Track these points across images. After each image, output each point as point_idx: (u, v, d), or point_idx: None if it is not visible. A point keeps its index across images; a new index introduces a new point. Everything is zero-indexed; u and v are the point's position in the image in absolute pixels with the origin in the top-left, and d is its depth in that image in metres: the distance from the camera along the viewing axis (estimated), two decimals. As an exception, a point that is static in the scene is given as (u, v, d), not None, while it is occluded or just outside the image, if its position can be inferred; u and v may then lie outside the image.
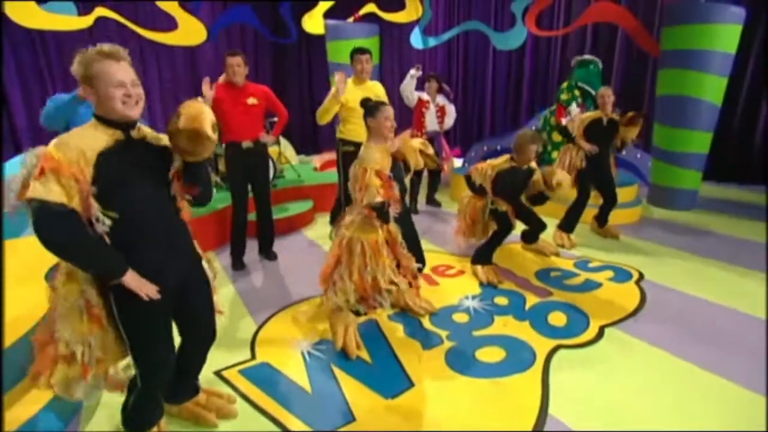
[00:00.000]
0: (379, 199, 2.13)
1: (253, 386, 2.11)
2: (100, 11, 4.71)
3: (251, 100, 3.32)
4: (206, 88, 3.14)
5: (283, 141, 5.71)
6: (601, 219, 4.04)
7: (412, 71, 4.53)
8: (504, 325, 2.58)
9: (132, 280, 1.41)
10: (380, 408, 1.96)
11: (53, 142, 1.34)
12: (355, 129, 3.52)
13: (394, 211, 2.29)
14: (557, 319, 2.64)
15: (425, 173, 4.96)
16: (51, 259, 1.43)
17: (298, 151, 8.56)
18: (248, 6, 6.61)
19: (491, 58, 6.86)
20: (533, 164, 3.21)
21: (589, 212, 3.98)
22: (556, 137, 4.72)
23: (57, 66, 5.22)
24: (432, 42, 6.65)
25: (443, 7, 7.14)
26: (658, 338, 2.41)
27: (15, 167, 4.07)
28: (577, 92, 4.69)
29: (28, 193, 1.28)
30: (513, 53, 6.56)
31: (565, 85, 4.82)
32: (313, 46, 7.57)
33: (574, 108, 4.62)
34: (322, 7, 6.43)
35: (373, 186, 2.13)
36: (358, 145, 3.04)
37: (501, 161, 3.18)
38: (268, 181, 3.59)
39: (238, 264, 3.47)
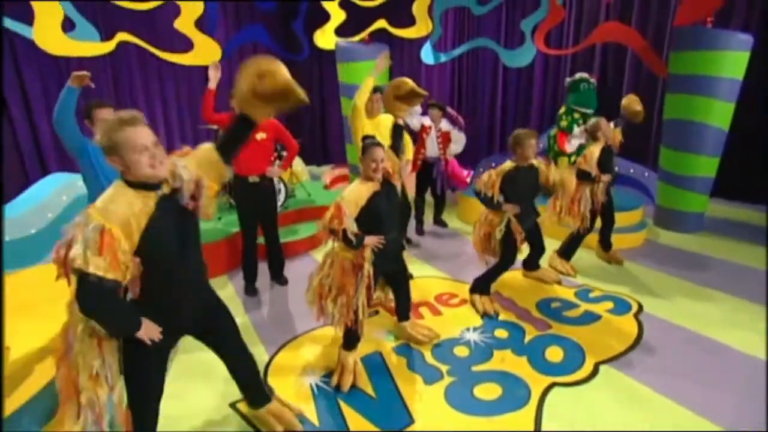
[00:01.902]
0: (333, 225, 2.28)
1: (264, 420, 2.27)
2: (122, 36, 4.94)
3: (260, 135, 3.48)
4: (212, 70, 3.33)
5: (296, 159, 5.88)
6: (605, 243, 4.11)
7: (417, 108, 4.66)
8: (502, 360, 2.70)
9: (142, 332, 1.55)
10: (382, 444, 2.11)
11: (98, 209, 1.44)
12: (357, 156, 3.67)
13: (376, 241, 2.37)
14: (554, 354, 2.75)
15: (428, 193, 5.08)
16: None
17: (308, 162, 8.79)
18: (261, 25, 6.82)
19: (501, 75, 6.93)
20: (535, 161, 3.20)
21: (593, 237, 4.05)
22: (562, 162, 4.79)
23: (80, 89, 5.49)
24: (442, 58, 6.76)
25: (453, 24, 7.23)
26: (653, 378, 2.49)
27: (44, 188, 4.32)
28: (575, 115, 4.74)
29: (76, 261, 1.38)
30: (522, 71, 6.63)
31: (562, 110, 4.87)
32: (325, 61, 7.74)
33: (576, 132, 4.66)
34: (334, 22, 6.59)
35: (329, 214, 2.32)
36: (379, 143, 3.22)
37: (503, 166, 3.18)
38: (276, 212, 3.73)
39: (250, 290, 3.65)
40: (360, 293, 2.36)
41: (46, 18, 4.28)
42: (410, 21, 6.27)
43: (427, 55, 6.52)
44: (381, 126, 3.59)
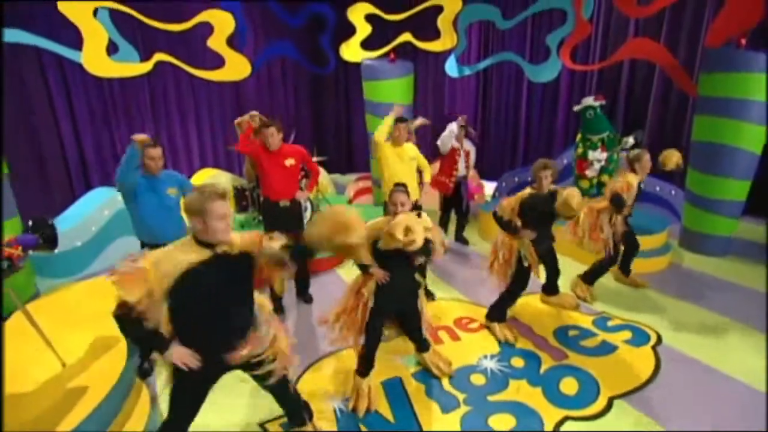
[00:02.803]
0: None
1: (291, 440, 2.46)
2: (159, 56, 5.24)
3: (289, 162, 3.67)
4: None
5: (320, 169, 6.06)
6: (625, 268, 4.12)
7: (454, 127, 4.73)
8: (517, 390, 2.80)
9: (175, 357, 1.81)
10: (399, 472, 2.25)
11: (152, 259, 1.72)
12: (388, 184, 3.77)
13: (381, 275, 2.52)
14: (569, 386, 2.83)
15: (452, 211, 5.18)
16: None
17: (333, 170, 8.99)
18: (289, 40, 7.03)
19: (525, 89, 6.93)
20: (553, 188, 3.25)
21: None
22: (584, 184, 4.78)
23: (120, 107, 5.86)
24: (466, 71, 6.81)
25: (478, 38, 7.25)
26: (668, 417, 2.54)
27: (88, 203, 4.66)
28: (595, 139, 4.73)
29: (121, 292, 1.68)
30: (547, 86, 6.60)
31: (579, 137, 4.87)
32: (351, 73, 7.90)
33: (596, 153, 4.64)
34: (360, 35, 6.74)
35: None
36: (402, 186, 3.36)
37: (522, 192, 3.28)
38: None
39: (277, 308, 3.85)
40: (359, 318, 2.54)
41: (93, 43, 4.60)
42: (435, 34, 6.35)
43: (451, 68, 6.60)
44: (404, 155, 3.71)
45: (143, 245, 3.03)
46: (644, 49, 5.38)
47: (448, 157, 4.90)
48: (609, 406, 2.64)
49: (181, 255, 1.76)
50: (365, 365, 2.68)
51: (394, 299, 2.67)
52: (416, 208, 3.74)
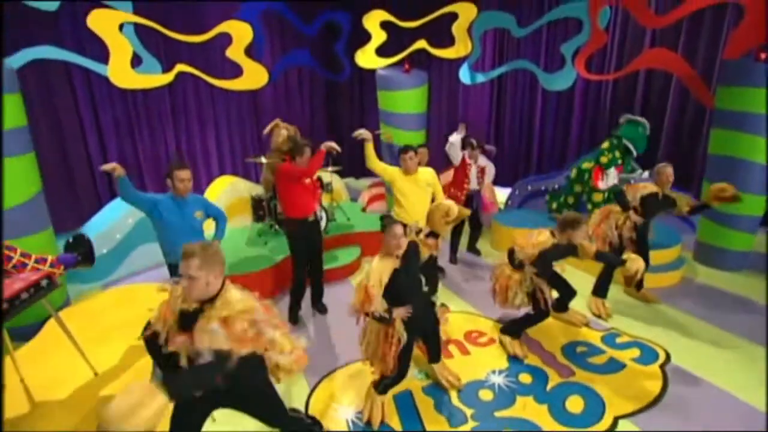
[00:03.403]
0: (364, 309, 2.51)
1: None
2: (180, 67, 5.41)
3: (308, 181, 3.81)
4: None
5: (334, 177, 6.17)
6: (637, 283, 4.14)
7: (454, 139, 4.83)
8: (524, 408, 2.88)
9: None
10: (408, 486, 2.36)
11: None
12: (400, 214, 3.79)
13: (404, 313, 2.61)
14: (575, 404, 2.89)
15: (466, 223, 5.24)
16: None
17: (347, 174, 9.09)
18: (305, 49, 7.16)
19: (539, 98, 6.92)
20: (578, 242, 3.18)
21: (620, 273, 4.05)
22: (597, 197, 4.79)
23: (144, 117, 6.07)
24: (480, 78, 6.84)
25: (492, 45, 7.26)
26: (670, 438, 2.60)
27: (113, 212, 4.89)
28: (617, 153, 4.73)
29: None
30: (562, 95, 6.59)
31: (606, 145, 4.84)
32: (366, 79, 7.99)
33: (612, 171, 4.66)
34: (375, 42, 6.82)
35: (357, 299, 2.55)
36: (399, 222, 3.45)
37: (543, 239, 3.21)
38: (323, 245, 4.05)
39: (293, 318, 3.99)
40: (393, 357, 2.63)
41: (119, 56, 4.78)
42: (450, 41, 6.39)
43: (465, 75, 6.63)
44: (419, 181, 3.75)
45: (170, 267, 3.15)
46: (661, 59, 5.34)
47: (460, 169, 4.97)
48: (614, 426, 2.70)
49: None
50: (388, 387, 2.78)
51: (418, 324, 2.75)
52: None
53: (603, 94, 6.33)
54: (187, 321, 1.85)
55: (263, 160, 5.14)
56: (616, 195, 3.83)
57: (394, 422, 2.79)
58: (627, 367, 3.24)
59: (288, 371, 2.00)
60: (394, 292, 2.59)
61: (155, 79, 5.42)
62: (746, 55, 4.36)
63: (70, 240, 2.68)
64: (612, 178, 4.61)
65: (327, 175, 5.66)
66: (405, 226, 2.70)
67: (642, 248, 3.89)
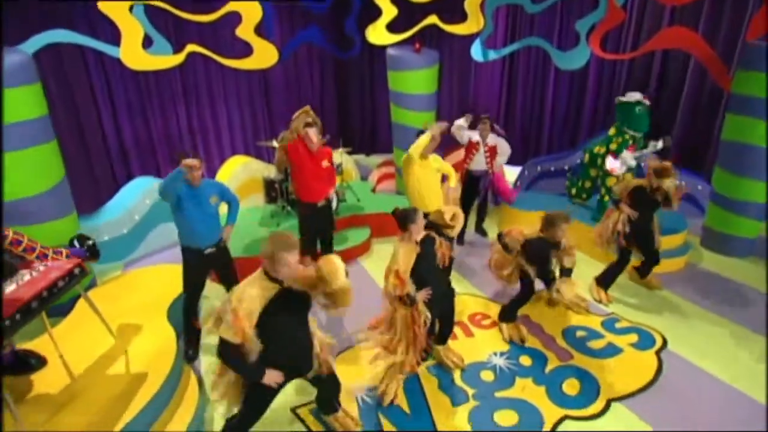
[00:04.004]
0: (398, 292, 2.72)
1: (319, 424, 2.82)
2: (191, 47, 5.43)
3: (325, 163, 3.88)
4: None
5: (345, 157, 6.23)
6: (642, 272, 4.22)
7: (461, 122, 4.83)
8: (523, 389, 3.06)
9: (267, 379, 2.19)
10: (412, 458, 2.58)
11: (236, 296, 2.08)
12: (415, 200, 3.88)
13: (425, 295, 2.81)
14: (571, 386, 3.06)
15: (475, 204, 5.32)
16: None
17: (358, 151, 9.13)
18: (315, 26, 7.06)
19: (552, 77, 6.78)
20: (563, 241, 3.38)
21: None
22: (611, 182, 4.77)
23: (155, 97, 6.15)
24: (492, 55, 6.71)
25: (505, 21, 7.06)
26: (662, 422, 2.74)
27: (131, 193, 5.11)
28: (626, 136, 4.68)
29: (220, 331, 2.07)
30: (575, 74, 6.46)
31: (612, 131, 4.80)
32: (376, 56, 7.88)
33: (623, 155, 4.61)
34: (386, 18, 6.69)
35: (391, 284, 2.75)
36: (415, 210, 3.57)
37: (532, 231, 3.41)
38: (334, 228, 4.19)
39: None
40: (422, 336, 2.84)
41: (131, 38, 4.82)
42: (462, 17, 6.25)
43: (476, 52, 6.52)
44: (429, 167, 3.83)
45: (184, 250, 3.32)
46: (680, 39, 5.18)
47: (467, 149, 5.02)
48: (607, 408, 2.87)
49: (257, 296, 2.09)
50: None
51: (437, 305, 2.94)
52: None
53: (618, 74, 6.19)
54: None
55: (275, 143, 5.22)
56: (612, 200, 4.00)
57: (401, 400, 2.99)
58: (624, 352, 3.38)
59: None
60: (416, 276, 2.77)
61: (167, 60, 5.44)
62: (768, 38, 4.24)
63: (76, 238, 2.85)
64: (628, 160, 4.56)
65: (337, 156, 5.72)
66: (426, 214, 2.87)
67: (645, 241, 3.96)
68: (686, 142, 5.87)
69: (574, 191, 5.42)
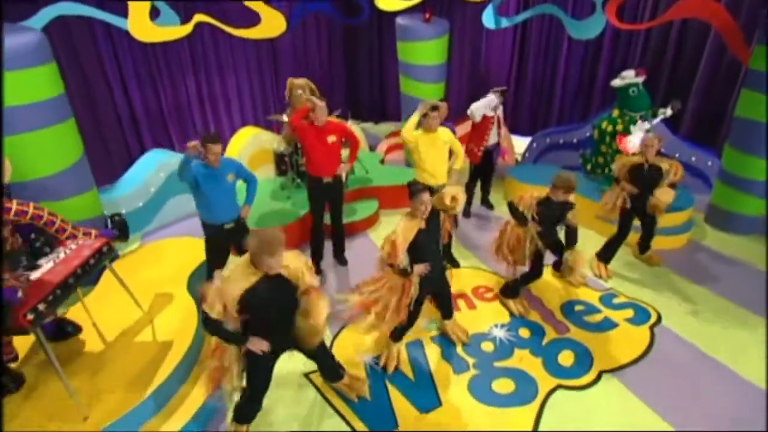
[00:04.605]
0: (389, 260, 2.85)
1: (329, 388, 3.07)
2: (199, 17, 5.39)
3: (331, 138, 3.95)
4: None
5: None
6: (642, 247, 4.34)
7: (493, 98, 4.79)
8: (520, 360, 3.27)
9: (251, 345, 2.35)
10: (416, 419, 2.83)
11: (224, 279, 2.22)
12: (421, 173, 3.99)
13: (423, 269, 2.92)
14: (566, 358, 3.27)
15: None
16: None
17: (367, 119, 9.10)
18: (323, -6, 6.87)
19: (566, 46, 6.59)
20: (572, 199, 3.45)
21: (634, 236, 4.25)
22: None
23: (164, 69, 6.16)
24: (504, 22, 6.53)
25: (519, -14, 6.82)
26: (649, 393, 2.93)
27: (145, 166, 5.28)
28: (630, 115, 4.65)
29: (205, 306, 2.20)
30: (589, 44, 6.28)
31: (616, 112, 4.77)
32: (385, 22, 7.70)
33: (636, 127, 4.58)
34: (395, -18, 6.50)
35: (385, 251, 2.87)
36: (427, 188, 3.66)
37: (541, 193, 3.48)
38: (342, 203, 4.31)
39: (317, 270, 4.38)
40: (405, 307, 2.96)
41: (138, 10, 4.80)
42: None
43: (488, 18, 6.35)
44: (437, 140, 3.87)
45: (204, 226, 3.48)
46: (700, 9, 5.00)
47: (480, 125, 5.00)
48: (597, 379, 3.08)
49: (236, 281, 2.20)
50: (401, 334, 3.18)
51: (432, 283, 3.08)
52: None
53: (633, 44, 6.01)
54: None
55: (284, 118, 5.26)
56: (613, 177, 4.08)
57: (406, 367, 3.22)
58: (619, 327, 3.56)
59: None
60: (415, 251, 2.89)
61: (174, 31, 5.41)
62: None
63: (111, 220, 3.00)
64: (639, 132, 4.54)
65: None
66: (431, 191, 2.94)
67: (646, 220, 4.05)
68: (700, 116, 5.78)
69: (589, 167, 5.41)
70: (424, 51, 5.75)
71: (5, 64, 3.18)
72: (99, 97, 5.68)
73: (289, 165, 5.44)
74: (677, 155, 5.52)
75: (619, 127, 4.68)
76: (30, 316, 2.12)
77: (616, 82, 4.71)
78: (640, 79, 4.58)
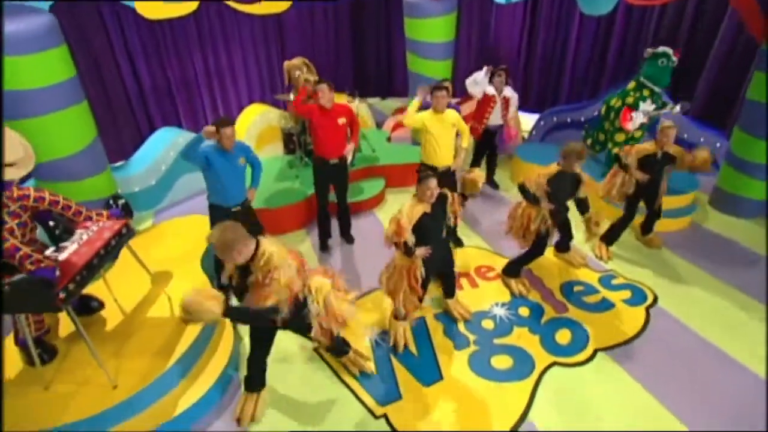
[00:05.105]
0: (393, 239, 2.96)
1: (336, 361, 3.26)
2: (204, -8, 5.34)
3: (341, 120, 4.01)
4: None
5: (360, 106, 6.24)
6: (645, 228, 4.41)
7: (480, 76, 4.77)
8: (519, 337, 3.43)
9: None
10: (418, 392, 3.02)
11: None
12: (428, 154, 4.04)
13: (424, 252, 3.03)
14: (563, 336, 3.42)
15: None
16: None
17: (374, 94, 9.04)
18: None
19: (577, 22, 6.44)
20: (579, 171, 3.55)
21: (638, 218, 4.31)
22: (619, 137, 4.79)
23: (171, 46, 6.15)
24: (516, -4, 6.39)
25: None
26: (640, 372, 3.08)
27: (155, 145, 5.40)
28: (644, 92, 4.60)
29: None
30: (601, 20, 6.13)
31: (632, 85, 4.70)
32: (392, -3, 7.56)
33: (642, 107, 4.55)
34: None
35: (391, 230, 2.96)
36: (433, 168, 3.76)
37: (549, 170, 3.56)
38: (347, 183, 4.40)
39: (324, 247, 4.52)
40: (416, 287, 3.11)
41: (143, -14, 4.77)
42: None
43: (499, -8, 6.21)
44: (445, 122, 3.90)
45: (212, 208, 3.59)
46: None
47: (481, 103, 5.01)
48: (592, 357, 3.23)
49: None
50: (404, 314, 3.32)
51: (436, 264, 3.21)
52: (450, 174, 4.05)
53: (647, 21, 5.87)
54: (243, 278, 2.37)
55: (291, 97, 5.28)
56: (615, 157, 4.11)
57: (411, 345, 3.39)
58: (616, 307, 3.69)
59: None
60: (419, 233, 2.99)
61: (180, 7, 5.36)
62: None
63: (114, 202, 3.11)
64: (640, 117, 4.54)
65: (352, 107, 5.73)
66: (438, 174, 3.07)
67: (652, 202, 4.12)
68: (711, 96, 5.71)
69: (589, 141, 5.41)
70: (432, 28, 5.68)
71: (17, 49, 3.24)
72: (107, 75, 5.73)
73: (297, 144, 5.50)
74: (685, 135, 5.51)
75: (629, 100, 4.60)
76: (62, 295, 2.28)
77: (649, 51, 4.61)
78: (675, 58, 4.50)
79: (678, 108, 4.40)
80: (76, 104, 3.74)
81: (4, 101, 3.30)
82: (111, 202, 3.15)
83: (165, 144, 5.36)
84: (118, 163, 5.55)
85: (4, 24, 3.17)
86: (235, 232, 2.25)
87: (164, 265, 3.74)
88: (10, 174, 2.44)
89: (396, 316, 3.37)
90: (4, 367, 2.81)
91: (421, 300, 3.29)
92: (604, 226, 3.67)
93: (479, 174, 3.40)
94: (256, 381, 2.85)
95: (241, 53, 6.81)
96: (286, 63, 5.13)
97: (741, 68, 5.38)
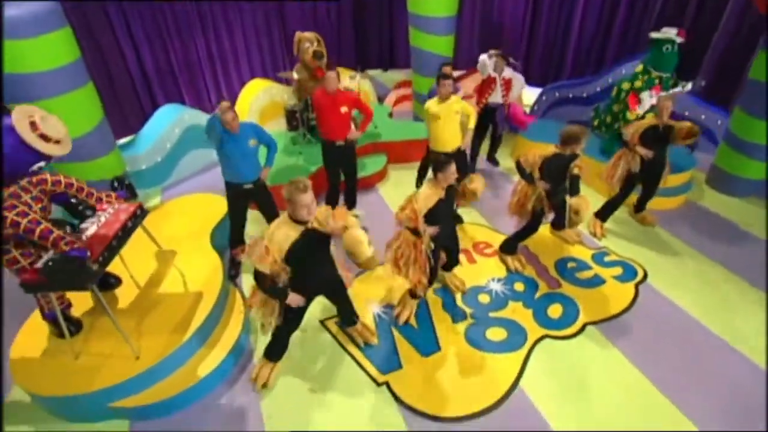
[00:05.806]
0: (407, 224, 3.10)
1: (341, 333, 3.48)
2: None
3: (343, 109, 4.09)
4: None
5: (363, 82, 6.23)
6: (639, 206, 4.53)
7: (485, 59, 4.82)
8: (513, 311, 3.63)
9: (290, 301, 2.69)
10: (418, 362, 3.24)
11: (267, 236, 2.48)
12: (438, 141, 4.14)
13: (432, 231, 3.17)
14: (555, 311, 3.61)
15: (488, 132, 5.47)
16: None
17: (376, 66, 8.95)
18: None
19: (582, -3, 6.31)
20: (578, 152, 3.59)
21: (633, 195, 4.40)
22: (630, 116, 4.80)
23: (172, 25, 6.09)
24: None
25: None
26: (625, 344, 3.28)
27: (160, 122, 5.51)
28: (652, 74, 4.60)
29: (254, 263, 2.49)
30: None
31: (639, 68, 4.69)
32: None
33: (646, 95, 4.58)
34: None
35: (405, 215, 3.08)
36: (439, 154, 3.87)
37: (546, 150, 3.62)
38: (355, 163, 4.50)
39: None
40: (423, 262, 3.24)
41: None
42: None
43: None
44: (450, 109, 3.98)
45: (227, 184, 3.73)
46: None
47: (485, 82, 5.05)
48: (581, 330, 3.44)
49: (279, 236, 2.46)
50: (423, 292, 3.45)
51: (443, 242, 3.36)
52: (460, 153, 4.16)
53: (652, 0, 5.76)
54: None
55: (294, 75, 5.29)
56: (618, 136, 4.15)
57: (411, 318, 3.60)
58: (606, 283, 3.87)
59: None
60: (432, 216, 3.11)
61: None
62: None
63: (119, 183, 3.20)
64: (648, 101, 4.56)
65: (353, 84, 5.75)
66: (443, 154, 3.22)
67: (652, 178, 4.19)
68: (716, 74, 5.68)
69: (596, 122, 5.42)
70: (434, 1, 5.58)
71: (21, 32, 3.26)
72: (110, 57, 5.74)
73: (300, 121, 5.55)
74: (686, 113, 5.52)
75: (638, 84, 4.62)
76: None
77: (654, 35, 4.59)
78: (679, 39, 4.47)
79: (689, 86, 4.42)
80: (81, 86, 3.79)
81: (11, 85, 3.37)
82: (115, 184, 3.25)
83: (170, 120, 5.42)
84: (124, 139, 5.63)
85: (5, 12, 3.18)
86: None
87: (175, 242, 3.91)
88: (57, 150, 2.53)
89: (413, 294, 3.52)
90: (4, 367, 3.01)
91: (430, 281, 3.39)
92: (588, 213, 3.78)
93: (479, 184, 3.50)
94: (276, 352, 3.08)
95: (242, 32, 6.75)
96: (298, 34, 5.12)
97: (747, 47, 5.33)
